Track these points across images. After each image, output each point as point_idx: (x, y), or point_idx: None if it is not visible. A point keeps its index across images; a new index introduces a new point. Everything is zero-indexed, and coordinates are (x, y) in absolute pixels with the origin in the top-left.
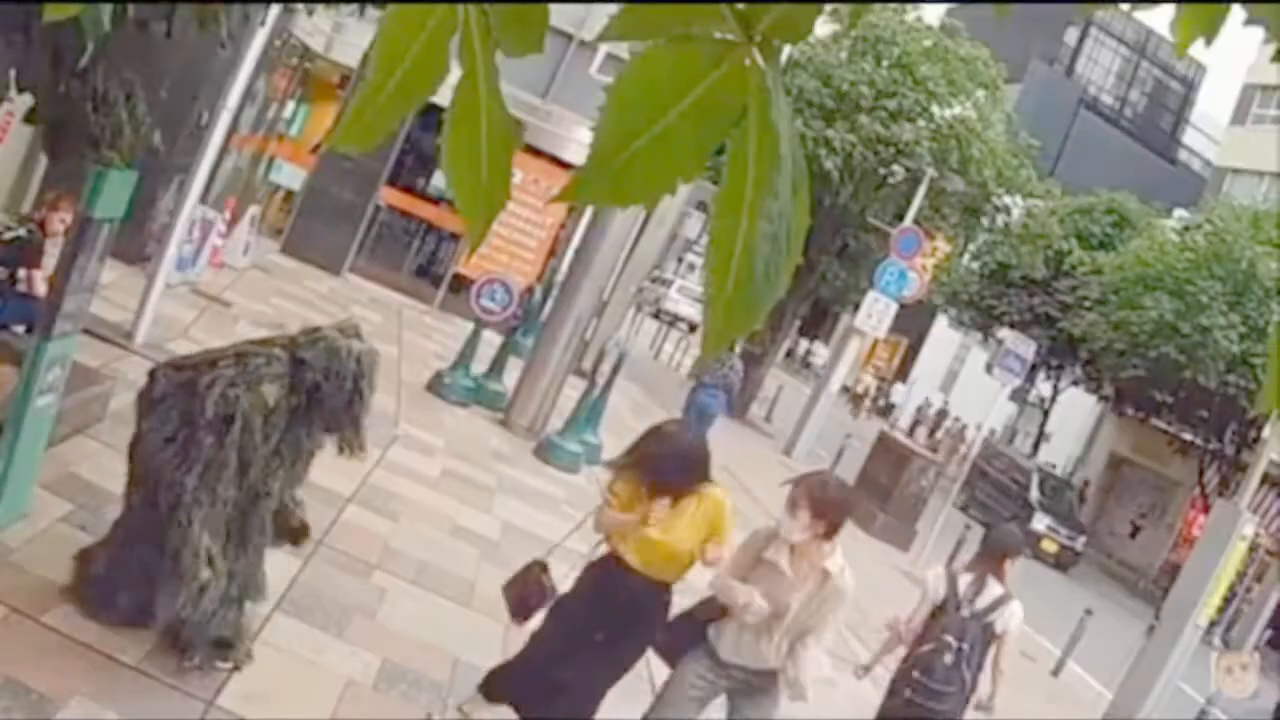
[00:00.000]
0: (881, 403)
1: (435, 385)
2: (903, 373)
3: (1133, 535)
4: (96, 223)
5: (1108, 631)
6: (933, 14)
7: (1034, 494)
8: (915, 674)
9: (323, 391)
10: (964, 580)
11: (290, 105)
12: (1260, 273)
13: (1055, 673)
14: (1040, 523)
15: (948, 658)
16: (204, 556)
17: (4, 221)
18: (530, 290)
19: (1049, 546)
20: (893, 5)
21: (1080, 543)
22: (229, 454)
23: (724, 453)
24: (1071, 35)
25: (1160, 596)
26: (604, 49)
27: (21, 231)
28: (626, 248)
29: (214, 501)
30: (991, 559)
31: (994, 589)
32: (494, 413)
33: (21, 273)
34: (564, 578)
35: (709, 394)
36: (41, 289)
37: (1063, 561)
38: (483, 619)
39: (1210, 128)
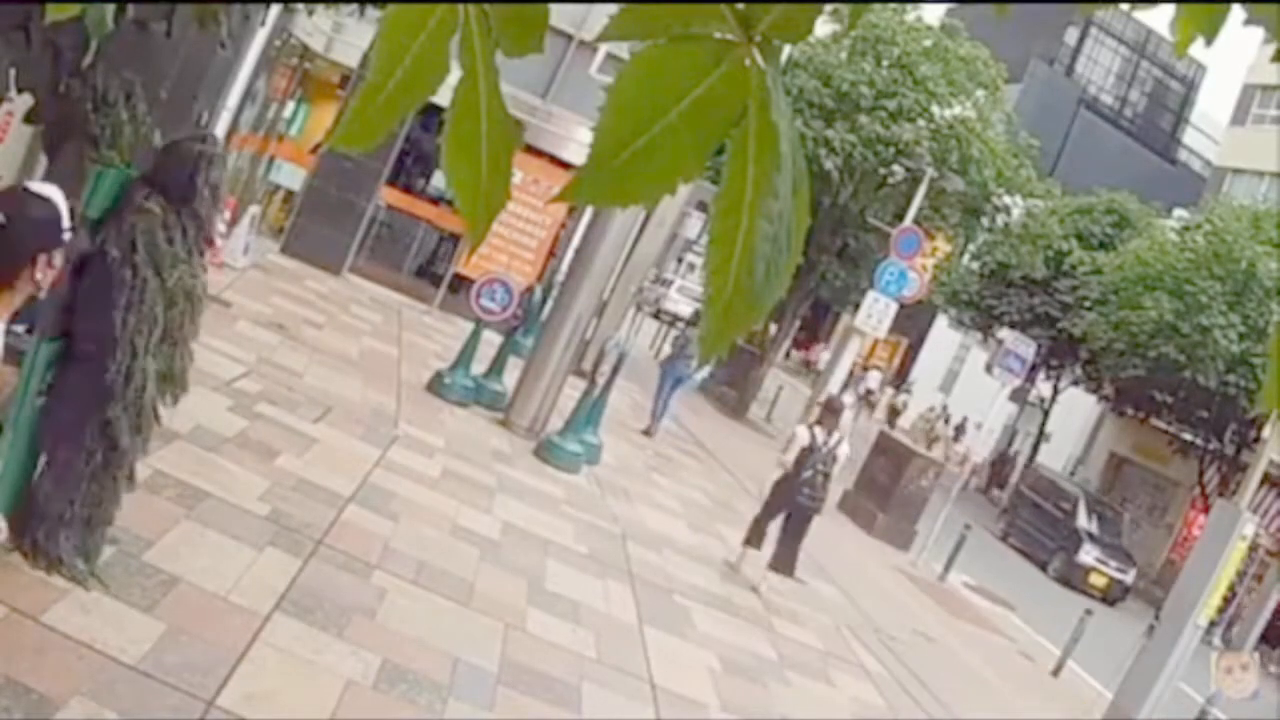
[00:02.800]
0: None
1: (435, 385)
2: (902, 372)
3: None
4: (96, 223)
5: (1108, 631)
6: (933, 14)
7: (1081, 522)
8: (805, 489)
9: (169, 189)
10: (818, 432)
11: (290, 105)
12: (1260, 273)
13: (1055, 673)
14: (1088, 554)
15: (819, 477)
16: (152, 385)
17: None
18: (530, 290)
19: (1098, 580)
20: (893, 5)
21: (1131, 575)
22: (146, 274)
23: (724, 453)
24: (1071, 35)
25: (1160, 596)
26: (604, 49)
27: None
28: (626, 248)
29: (151, 330)
30: (833, 418)
31: (835, 434)
32: (494, 413)
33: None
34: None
35: (683, 363)
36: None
37: (1111, 596)
38: (483, 619)
39: (1210, 128)
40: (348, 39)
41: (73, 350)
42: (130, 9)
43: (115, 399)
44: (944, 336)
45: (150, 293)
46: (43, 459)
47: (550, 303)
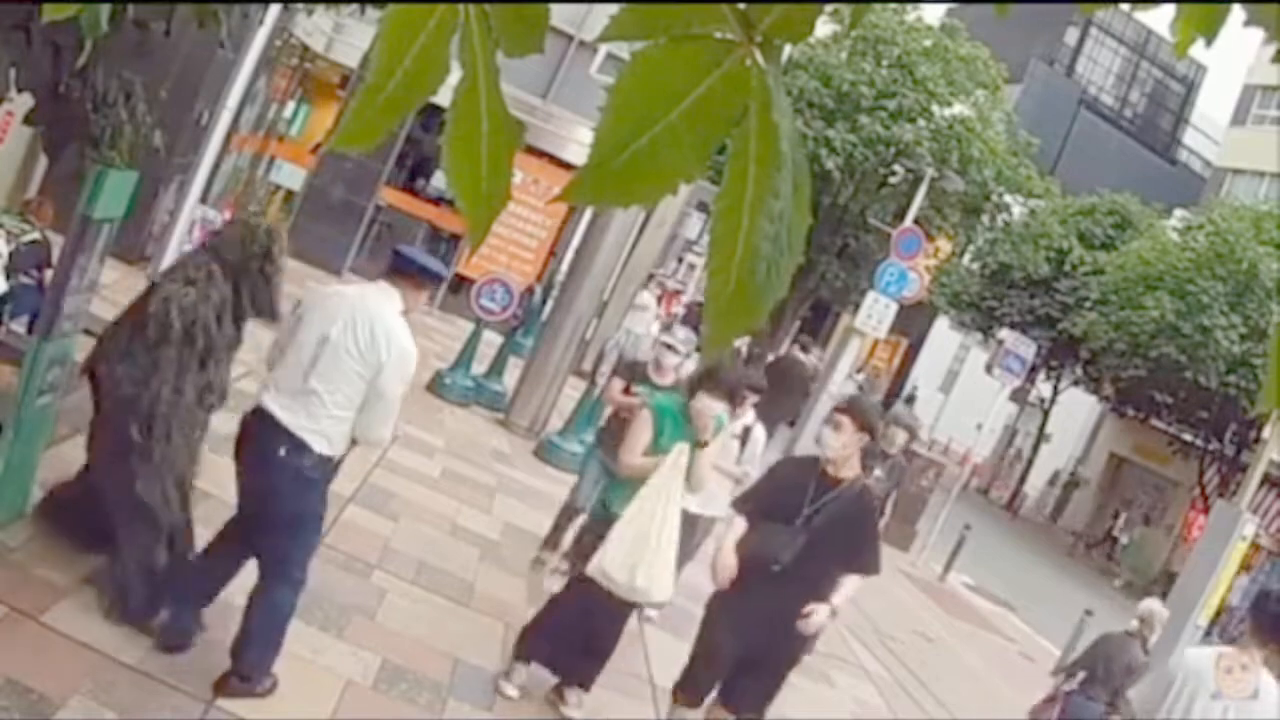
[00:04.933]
0: None
1: (435, 385)
2: (902, 373)
3: None
4: (96, 223)
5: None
6: (933, 14)
7: None
8: None
9: (248, 270)
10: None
11: (290, 105)
12: (1262, 273)
13: (1055, 673)
14: None
15: None
16: (188, 467)
17: (19, 225)
18: (530, 290)
19: None
20: (893, 5)
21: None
22: (190, 359)
23: None
24: (1071, 35)
25: (1160, 597)
26: (604, 49)
27: (37, 234)
28: (626, 248)
29: (183, 408)
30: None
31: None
32: (494, 413)
33: (34, 273)
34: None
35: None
36: None
37: None
38: (483, 619)
39: (1210, 128)
40: (348, 39)
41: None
42: (130, 9)
43: (147, 475)
44: (944, 337)
45: (189, 375)
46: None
47: (550, 303)
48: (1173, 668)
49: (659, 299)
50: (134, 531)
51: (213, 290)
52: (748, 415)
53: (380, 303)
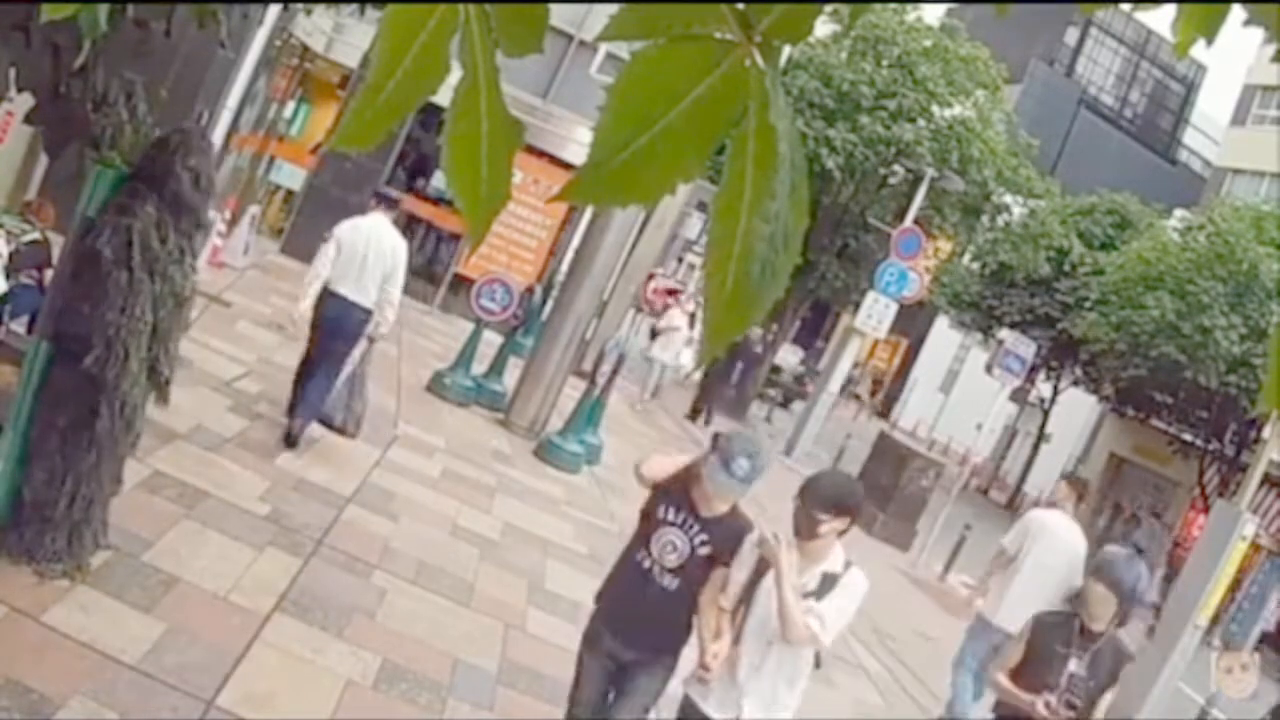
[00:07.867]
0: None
1: (435, 385)
2: (902, 373)
3: None
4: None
5: None
6: (933, 14)
7: None
8: None
9: (160, 185)
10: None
11: (290, 105)
12: (1262, 274)
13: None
14: None
15: None
16: (140, 387)
17: (19, 225)
18: (530, 290)
19: None
20: (893, 5)
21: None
22: (141, 276)
23: None
24: (1071, 35)
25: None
26: (604, 49)
27: (37, 234)
28: (626, 248)
29: (141, 330)
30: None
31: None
32: (494, 413)
33: (34, 273)
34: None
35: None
36: None
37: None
38: (483, 619)
39: (1210, 128)
40: (348, 39)
41: (63, 352)
42: (130, 9)
43: (105, 401)
44: (944, 336)
45: (143, 296)
46: (33, 460)
47: (550, 303)
48: (1027, 521)
49: (690, 318)
50: (75, 461)
51: (139, 206)
52: (836, 555)
53: (384, 223)
